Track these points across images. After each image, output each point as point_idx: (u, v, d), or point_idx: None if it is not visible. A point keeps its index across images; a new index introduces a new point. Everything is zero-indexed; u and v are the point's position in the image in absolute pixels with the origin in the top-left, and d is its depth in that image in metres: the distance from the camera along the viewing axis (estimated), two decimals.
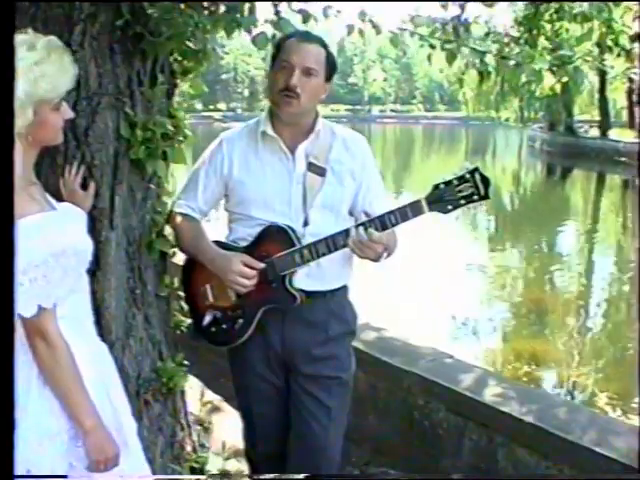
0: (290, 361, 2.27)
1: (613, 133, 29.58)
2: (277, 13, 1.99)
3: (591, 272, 10.33)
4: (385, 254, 2.12)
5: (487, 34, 3.18)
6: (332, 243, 2.10)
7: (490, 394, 2.84)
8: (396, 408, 3.14)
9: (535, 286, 8.98)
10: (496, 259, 10.66)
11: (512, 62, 2.27)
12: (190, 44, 2.15)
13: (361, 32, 2.18)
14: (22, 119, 1.56)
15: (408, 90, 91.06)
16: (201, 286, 2.28)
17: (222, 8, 2.02)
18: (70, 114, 1.73)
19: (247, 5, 1.99)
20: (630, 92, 29.43)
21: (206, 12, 2.05)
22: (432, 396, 2.99)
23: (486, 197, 2.01)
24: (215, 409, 3.49)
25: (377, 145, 37.57)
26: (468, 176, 2.01)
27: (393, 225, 2.06)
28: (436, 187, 2.03)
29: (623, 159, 24.67)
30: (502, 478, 2.76)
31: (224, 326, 2.25)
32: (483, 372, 3.21)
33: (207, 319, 2.27)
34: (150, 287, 2.35)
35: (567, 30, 3.95)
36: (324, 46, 2.16)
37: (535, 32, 3.58)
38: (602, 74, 25.71)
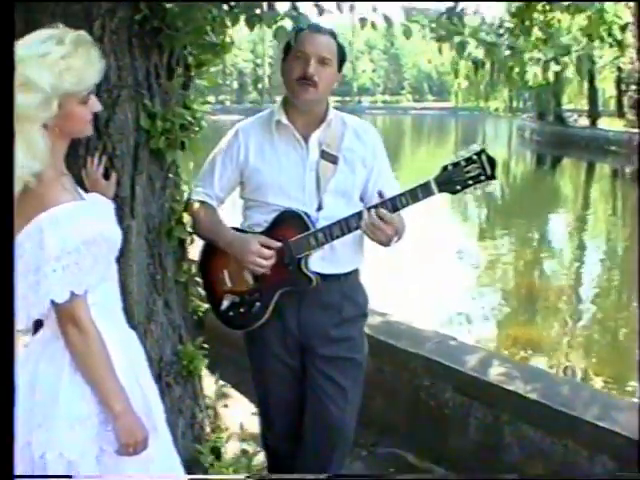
0: (307, 343, 2.34)
1: (602, 122, 29.70)
2: (295, 8, 2.06)
3: (581, 259, 10.46)
4: (395, 237, 2.17)
5: (481, 25, 3.24)
6: (346, 226, 2.16)
7: (495, 374, 2.92)
8: (403, 390, 3.22)
9: (526, 274, 9.08)
10: (487, 248, 10.77)
11: (519, 52, 2.33)
12: (208, 38, 2.21)
13: (373, 25, 2.26)
14: (48, 111, 1.58)
15: (397, 81, 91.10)
16: (219, 272, 2.34)
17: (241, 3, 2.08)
18: (98, 107, 1.73)
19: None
20: (619, 81, 29.54)
21: (225, 7, 2.11)
22: (438, 377, 3.06)
23: (492, 177, 2.06)
24: (223, 396, 3.55)
25: None
26: (475, 157, 2.05)
27: (404, 206, 2.12)
28: (444, 168, 2.08)
29: (612, 148, 24.82)
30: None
31: (242, 310, 2.32)
32: (487, 353, 3.30)
33: (225, 304, 2.34)
34: (170, 273, 2.42)
35: (559, 21, 4.01)
36: (334, 37, 2.25)
37: (528, 23, 3.64)
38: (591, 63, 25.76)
